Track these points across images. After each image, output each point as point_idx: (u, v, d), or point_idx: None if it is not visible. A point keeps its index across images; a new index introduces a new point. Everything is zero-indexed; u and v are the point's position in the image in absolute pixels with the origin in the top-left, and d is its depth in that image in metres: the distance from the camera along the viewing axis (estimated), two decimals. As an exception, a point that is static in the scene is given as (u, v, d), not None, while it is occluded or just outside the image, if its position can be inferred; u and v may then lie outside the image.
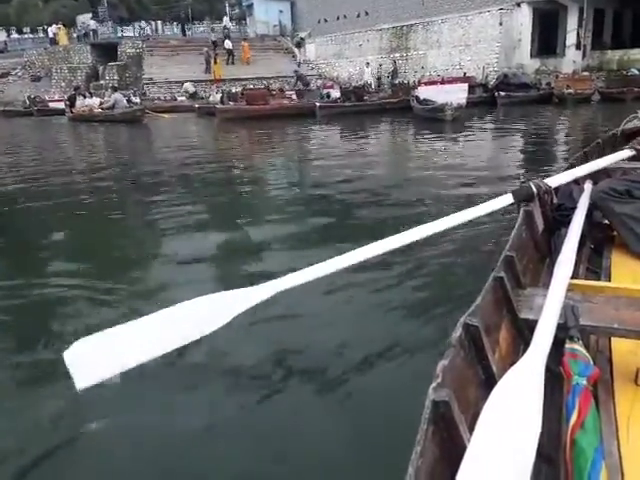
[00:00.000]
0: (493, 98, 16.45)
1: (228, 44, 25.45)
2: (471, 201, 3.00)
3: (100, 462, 1.70)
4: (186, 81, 23.40)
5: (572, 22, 19.97)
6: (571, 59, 19.93)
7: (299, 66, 22.52)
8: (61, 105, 20.55)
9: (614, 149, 3.17)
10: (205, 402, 1.97)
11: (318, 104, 14.42)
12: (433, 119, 11.91)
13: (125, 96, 18.15)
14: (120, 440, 1.78)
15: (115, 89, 18.72)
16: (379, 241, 1.66)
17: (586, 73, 18.31)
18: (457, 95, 13.14)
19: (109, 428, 1.83)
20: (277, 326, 2.46)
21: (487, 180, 5.83)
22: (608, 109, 14.46)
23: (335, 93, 16.51)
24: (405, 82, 19.47)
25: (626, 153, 2.87)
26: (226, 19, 28.96)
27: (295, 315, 2.54)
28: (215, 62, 24.25)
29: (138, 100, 19.03)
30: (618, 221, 2.06)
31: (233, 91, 17.98)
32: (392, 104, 14.89)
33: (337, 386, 2.02)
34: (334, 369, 2.14)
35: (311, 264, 1.53)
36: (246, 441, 1.74)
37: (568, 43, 20.06)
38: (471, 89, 16.72)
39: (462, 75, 20.28)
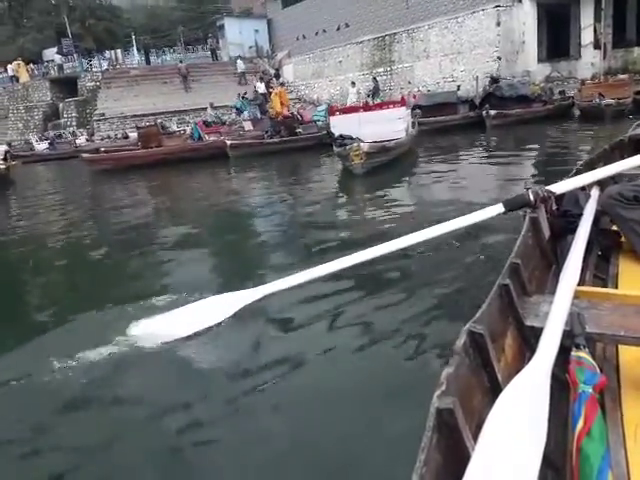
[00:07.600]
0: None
1: (261, 88, 20.01)
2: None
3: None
4: (150, 114, 19.85)
5: (587, 16, 16.19)
6: (589, 61, 16.10)
7: (244, 95, 18.69)
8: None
9: (621, 156, 3.06)
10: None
11: (229, 142, 10.62)
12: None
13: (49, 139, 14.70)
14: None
15: None
16: (373, 247, 2.06)
17: (623, 76, 14.03)
18: (390, 126, 8.28)
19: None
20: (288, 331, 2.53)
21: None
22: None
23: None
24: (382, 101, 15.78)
25: (638, 160, 2.73)
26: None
27: (297, 321, 2.62)
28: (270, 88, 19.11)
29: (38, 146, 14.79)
30: (626, 227, 2.03)
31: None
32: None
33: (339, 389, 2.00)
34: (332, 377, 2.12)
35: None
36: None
37: (584, 42, 16.26)
38: (452, 108, 12.98)
39: (456, 88, 16.52)
